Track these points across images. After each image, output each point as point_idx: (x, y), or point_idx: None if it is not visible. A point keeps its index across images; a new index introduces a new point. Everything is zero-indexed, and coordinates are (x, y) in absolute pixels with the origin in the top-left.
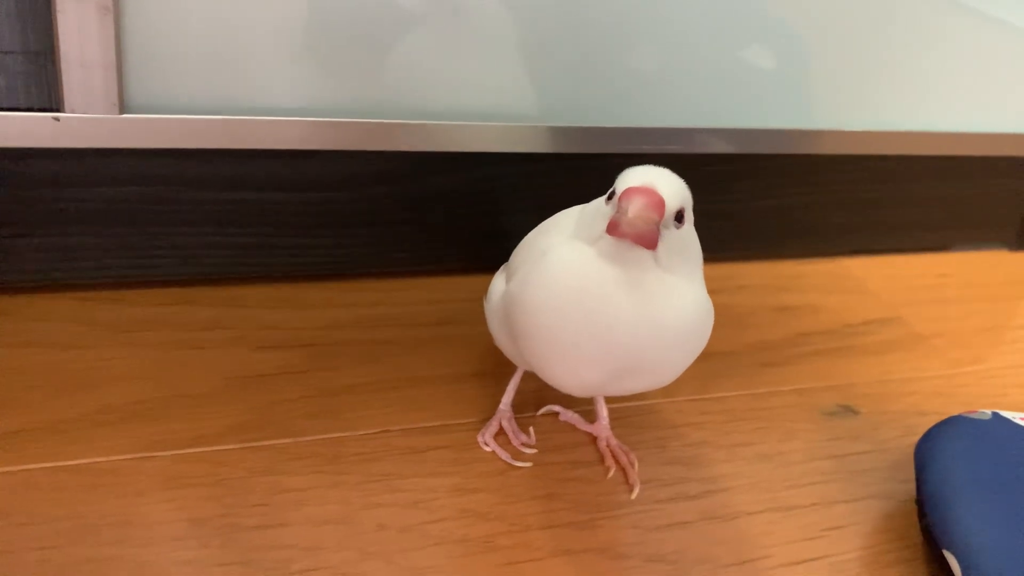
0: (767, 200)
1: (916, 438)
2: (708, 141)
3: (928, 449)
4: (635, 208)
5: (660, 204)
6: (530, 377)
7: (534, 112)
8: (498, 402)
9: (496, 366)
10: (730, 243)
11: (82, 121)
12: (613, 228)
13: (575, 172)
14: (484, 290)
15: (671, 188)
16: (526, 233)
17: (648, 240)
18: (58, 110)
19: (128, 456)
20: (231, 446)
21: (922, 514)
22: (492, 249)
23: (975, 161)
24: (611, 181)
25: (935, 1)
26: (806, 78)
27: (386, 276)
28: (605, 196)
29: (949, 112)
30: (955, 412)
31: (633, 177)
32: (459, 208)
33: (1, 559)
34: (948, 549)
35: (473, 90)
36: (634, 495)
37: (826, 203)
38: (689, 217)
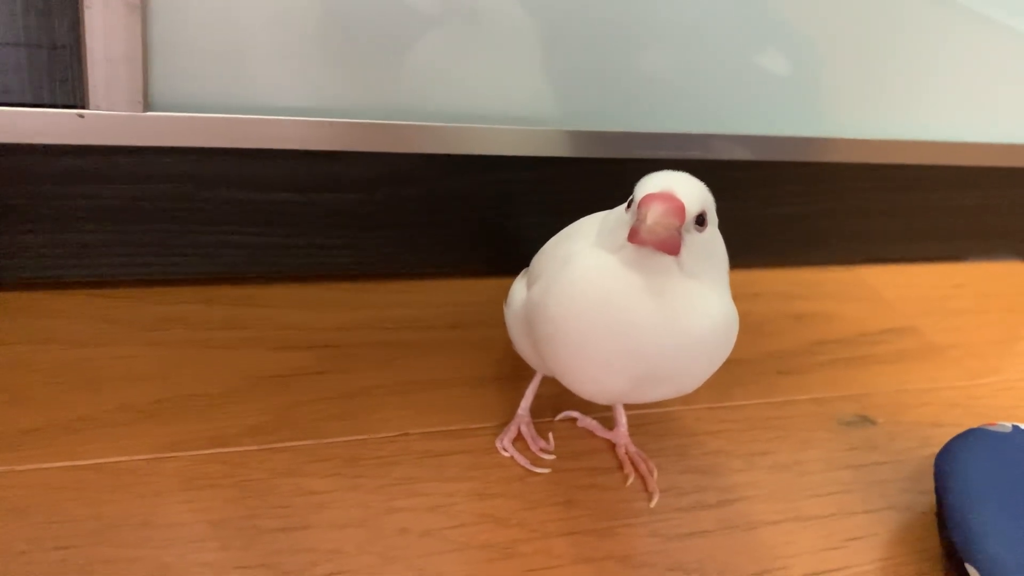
0: (783, 207)
1: (933, 449)
2: (725, 147)
3: (949, 461)
4: (654, 215)
5: (680, 209)
6: (548, 382)
7: (551, 116)
8: (516, 406)
9: (514, 370)
10: (745, 250)
11: (106, 118)
12: (634, 236)
13: (592, 176)
14: (500, 293)
15: (690, 192)
16: (543, 236)
17: (670, 246)
18: (83, 107)
19: (147, 456)
20: (251, 447)
21: (943, 527)
22: (508, 252)
23: (990, 171)
24: (628, 186)
25: (953, 11)
26: (824, 86)
27: (402, 278)
28: (625, 204)
29: (966, 122)
30: (972, 423)
31: (651, 183)
32: (475, 211)
33: (22, 557)
34: (970, 562)
35: (490, 93)
36: (654, 503)
37: (841, 211)
38: (712, 219)
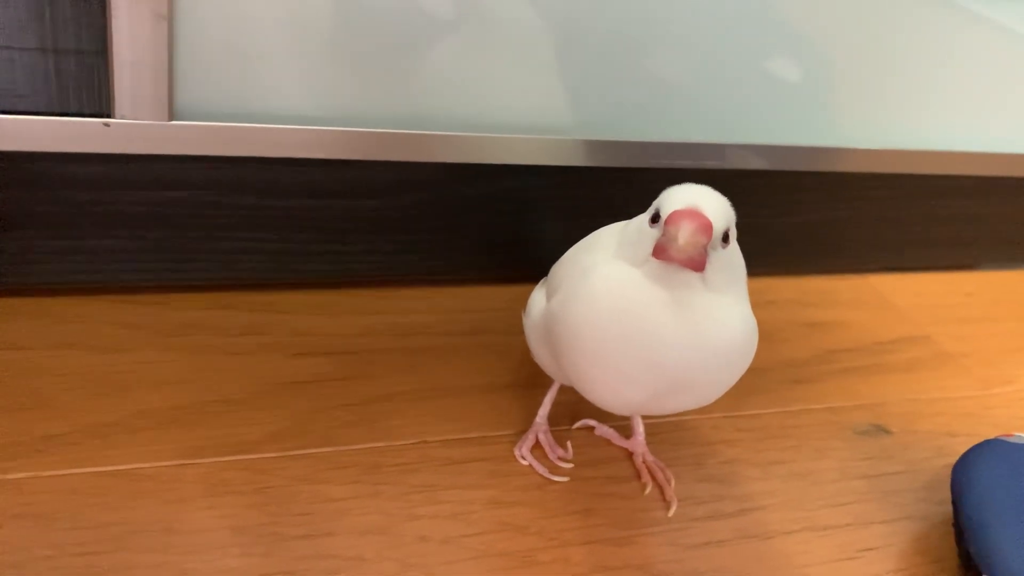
0: (796, 216)
1: (948, 459)
2: (739, 157)
3: (966, 472)
4: (685, 235)
5: (708, 228)
6: (565, 390)
7: (567, 125)
8: (534, 414)
9: (531, 377)
10: (759, 258)
11: (131, 127)
12: (661, 252)
13: (607, 185)
14: (516, 300)
15: (717, 209)
16: (559, 245)
17: (697, 264)
18: (108, 116)
19: (170, 462)
20: (271, 454)
21: (960, 538)
22: (524, 260)
23: (1003, 181)
24: (643, 195)
25: (968, 21)
26: (838, 96)
27: (419, 284)
28: (648, 216)
29: (979, 133)
30: (986, 433)
31: (678, 198)
32: (491, 219)
33: (47, 563)
34: (988, 573)
35: (506, 103)
36: (671, 512)
37: (854, 220)
38: (733, 234)
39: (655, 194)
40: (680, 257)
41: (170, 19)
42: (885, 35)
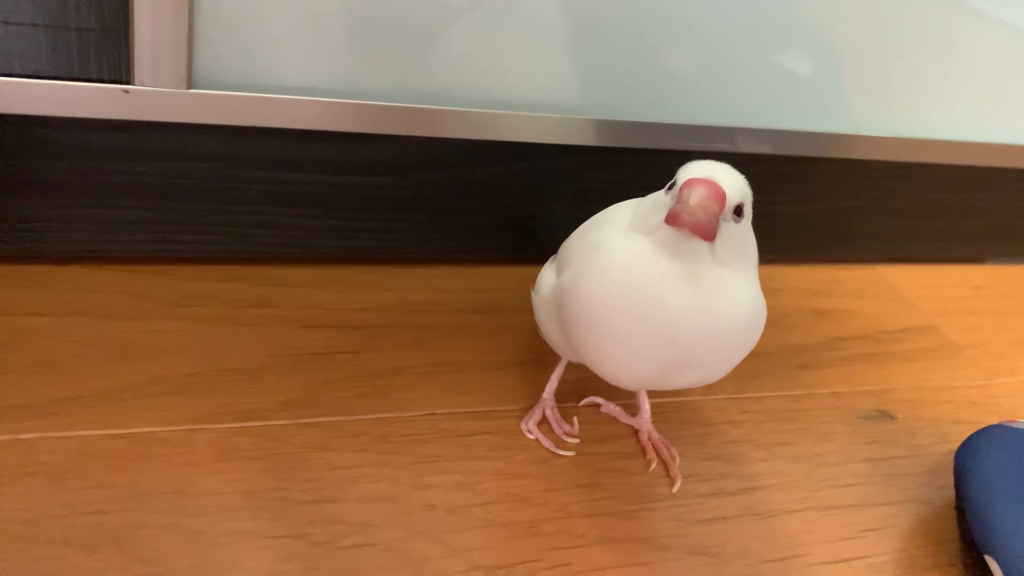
0: (806, 204)
1: (952, 445)
2: (750, 141)
3: (970, 455)
4: (696, 198)
5: (721, 196)
6: (572, 368)
7: (581, 105)
8: (540, 391)
9: (538, 355)
10: (768, 245)
11: (150, 94)
12: (672, 218)
13: (619, 166)
14: (526, 280)
15: (732, 182)
16: (569, 224)
17: (706, 231)
18: (128, 83)
19: (181, 427)
20: (281, 422)
21: (963, 519)
22: (535, 240)
23: (1014, 173)
24: (654, 176)
25: (979, 14)
26: (850, 83)
27: (430, 262)
28: (665, 188)
29: (990, 123)
30: (990, 421)
31: (695, 169)
32: (504, 197)
33: (57, 522)
34: (990, 554)
35: (521, 80)
36: (675, 488)
37: (864, 209)
38: (748, 213)
39: (663, 175)
40: (690, 221)
41: None
42: (898, 23)
